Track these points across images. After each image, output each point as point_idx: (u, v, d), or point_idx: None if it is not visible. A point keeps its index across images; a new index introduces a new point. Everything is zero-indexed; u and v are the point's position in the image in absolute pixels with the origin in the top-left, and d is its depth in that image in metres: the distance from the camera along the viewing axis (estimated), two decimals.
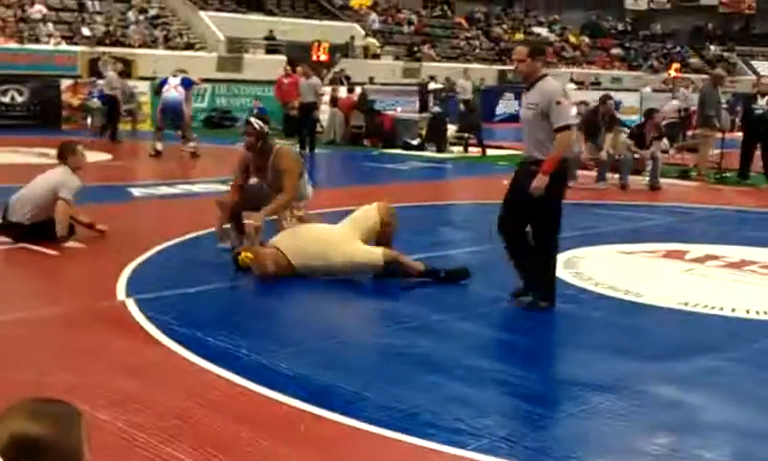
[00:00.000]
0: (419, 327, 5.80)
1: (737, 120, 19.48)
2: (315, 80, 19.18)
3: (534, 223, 6.29)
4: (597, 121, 13.81)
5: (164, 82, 16.97)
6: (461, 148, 19.53)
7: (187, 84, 16.80)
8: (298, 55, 27.69)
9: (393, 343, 5.54)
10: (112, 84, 19.67)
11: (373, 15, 36.21)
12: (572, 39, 43.43)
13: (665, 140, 16.08)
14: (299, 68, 20.16)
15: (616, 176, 13.68)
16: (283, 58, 26.69)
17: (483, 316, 6.21)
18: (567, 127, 6.14)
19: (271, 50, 29.66)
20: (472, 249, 8.59)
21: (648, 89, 33.48)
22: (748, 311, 6.42)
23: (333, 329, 5.92)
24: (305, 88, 18.57)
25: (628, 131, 14.72)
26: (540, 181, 5.99)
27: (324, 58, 28.44)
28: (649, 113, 14.71)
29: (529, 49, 6.26)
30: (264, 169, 7.68)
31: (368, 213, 7.25)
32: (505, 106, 31.20)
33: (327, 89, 23.17)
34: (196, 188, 12.47)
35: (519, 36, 41.36)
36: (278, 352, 5.16)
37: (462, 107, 22.60)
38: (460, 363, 5.09)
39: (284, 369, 4.88)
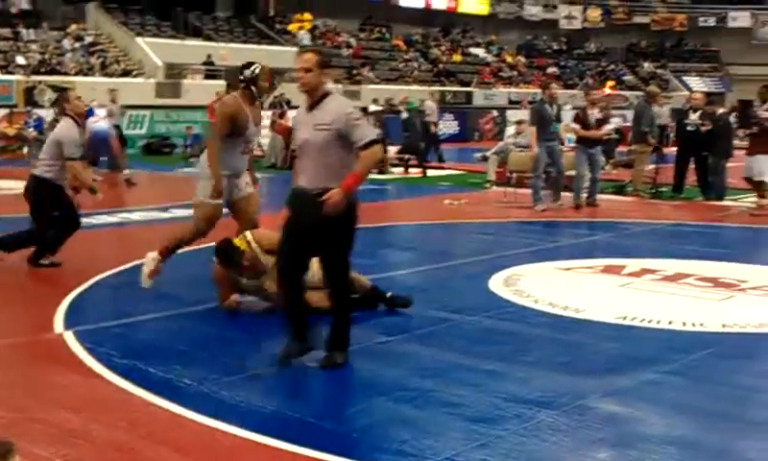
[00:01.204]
0: (362, 350, 5.81)
1: (671, 135, 19.90)
2: None
3: (327, 259, 5.46)
4: (547, 113, 13.13)
5: (90, 112, 16.63)
6: (401, 169, 19.64)
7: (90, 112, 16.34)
8: (237, 80, 27.64)
9: (333, 369, 5.52)
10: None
11: (302, 32, 36.17)
12: (509, 60, 44.01)
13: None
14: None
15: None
16: (223, 83, 26.57)
17: (426, 337, 6.24)
18: (374, 141, 5.33)
19: (210, 75, 29.54)
20: (415, 269, 8.64)
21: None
22: (684, 324, 6.56)
23: (269, 355, 5.85)
24: None
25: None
26: (340, 197, 5.12)
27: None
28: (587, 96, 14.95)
29: (318, 58, 5.36)
30: None
31: None
32: (445, 126, 31.42)
33: (268, 113, 23.10)
34: (135, 216, 12.36)
35: (458, 57, 41.87)
36: (221, 381, 5.12)
37: (432, 128, 22.88)
38: (403, 385, 5.11)
39: (227, 398, 4.85)
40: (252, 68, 7.25)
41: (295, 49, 34.06)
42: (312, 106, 5.37)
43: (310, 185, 5.27)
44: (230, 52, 30.94)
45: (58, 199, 8.46)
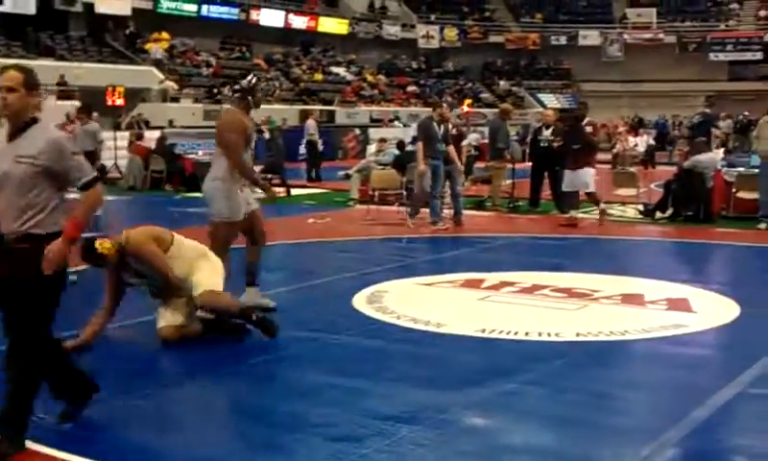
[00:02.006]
0: (225, 373, 5.74)
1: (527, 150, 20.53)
2: (92, 125, 17.00)
3: (8, 320, 4.37)
4: (434, 130, 13.05)
5: None
6: None
7: None
8: (92, 100, 26.88)
9: (203, 391, 5.44)
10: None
11: (155, 47, 35.56)
12: (370, 79, 44.47)
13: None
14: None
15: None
16: (77, 103, 25.82)
17: (289, 358, 6.23)
18: (96, 180, 4.44)
19: (63, 96, 28.61)
20: (279, 290, 8.58)
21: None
22: (540, 334, 6.76)
23: (139, 382, 5.69)
24: (81, 135, 16.01)
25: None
26: (60, 250, 4.25)
27: (119, 102, 27.68)
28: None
29: (24, 76, 4.40)
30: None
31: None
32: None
33: (125, 134, 22.64)
34: None
35: (319, 76, 42.01)
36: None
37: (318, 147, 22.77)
38: (268, 407, 5.08)
39: (74, 431, 4.69)
40: (248, 79, 7.27)
41: (153, 69, 33.53)
42: (14, 134, 4.37)
43: (6, 229, 4.28)
44: (85, 72, 30.11)
45: None
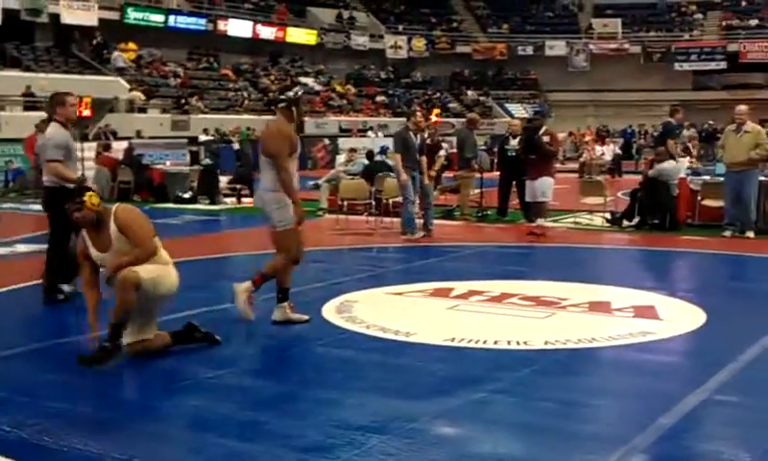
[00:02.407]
0: (190, 386, 5.70)
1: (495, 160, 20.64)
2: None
3: None
4: (411, 140, 13.00)
5: None
6: (234, 199, 19.47)
7: None
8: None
9: (162, 404, 5.39)
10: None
11: (116, 54, 35.35)
12: (338, 89, 44.52)
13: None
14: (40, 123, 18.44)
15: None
16: (44, 114, 25.59)
17: (258, 368, 6.20)
18: None
19: (29, 106, 28.36)
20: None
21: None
22: (509, 343, 6.78)
23: (98, 395, 5.65)
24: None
25: None
26: None
27: (86, 113, 27.48)
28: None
29: None
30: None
31: None
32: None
33: (92, 144, 22.44)
34: None
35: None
36: (43, 425, 4.89)
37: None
38: (234, 419, 5.04)
39: (49, 443, 4.64)
40: (294, 90, 7.37)
41: (119, 79, 33.33)
42: None
43: None
44: (51, 83, 29.85)
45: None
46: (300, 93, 7.49)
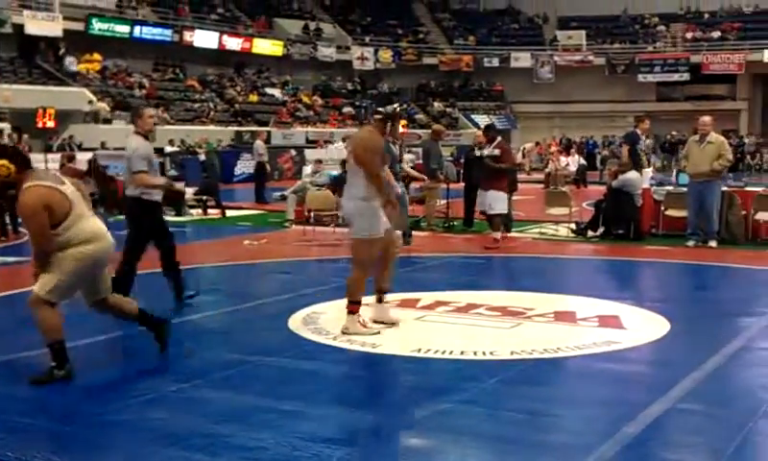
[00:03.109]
0: (153, 399, 5.65)
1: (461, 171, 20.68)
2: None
3: None
4: (392, 151, 12.69)
5: None
6: (200, 211, 19.36)
7: None
8: (23, 122, 26.47)
9: (126, 419, 5.33)
10: None
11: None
12: (305, 100, 44.49)
13: None
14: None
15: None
16: (7, 125, 25.38)
17: (222, 381, 6.15)
18: None
19: None
20: (214, 312, 8.52)
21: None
22: (475, 353, 6.80)
23: (61, 409, 5.57)
24: None
25: None
26: None
27: (50, 124, 27.28)
28: None
29: None
30: None
31: None
32: (243, 166, 31.32)
33: (56, 156, 22.23)
34: None
35: (254, 97, 41.90)
36: (6, 440, 4.82)
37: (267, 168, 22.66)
38: (198, 432, 5.00)
39: (11, 458, 4.57)
40: (394, 105, 7.73)
41: (84, 89, 33.07)
42: None
43: None
44: (15, 94, 29.60)
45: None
46: (398, 110, 7.65)
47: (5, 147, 7.16)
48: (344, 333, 7.30)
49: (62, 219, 5.91)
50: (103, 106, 32.77)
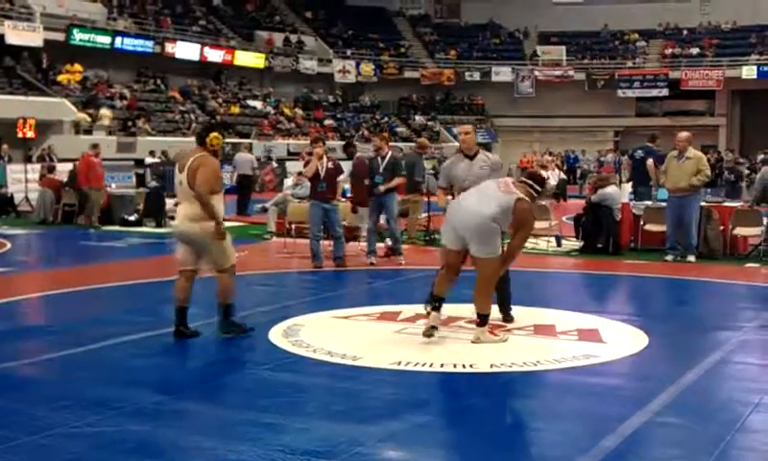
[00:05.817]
0: (134, 411, 5.63)
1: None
2: None
3: None
4: (376, 164, 13.18)
5: None
6: None
7: None
8: (3, 132, 26.31)
9: (104, 431, 5.30)
10: None
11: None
12: (287, 112, 44.48)
13: None
14: None
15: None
16: None
17: (202, 393, 6.14)
18: None
19: None
20: (193, 324, 8.48)
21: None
22: (455, 366, 6.82)
23: (38, 421, 5.51)
24: None
25: None
26: None
27: (30, 134, 27.09)
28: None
29: None
30: None
31: None
32: (226, 178, 31.19)
33: (36, 167, 22.17)
34: None
35: (235, 109, 41.85)
36: None
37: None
38: (178, 445, 4.99)
39: None
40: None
41: (65, 100, 32.93)
42: None
43: None
44: None
45: None
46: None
47: None
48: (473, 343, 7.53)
49: None
50: (83, 116, 32.65)
